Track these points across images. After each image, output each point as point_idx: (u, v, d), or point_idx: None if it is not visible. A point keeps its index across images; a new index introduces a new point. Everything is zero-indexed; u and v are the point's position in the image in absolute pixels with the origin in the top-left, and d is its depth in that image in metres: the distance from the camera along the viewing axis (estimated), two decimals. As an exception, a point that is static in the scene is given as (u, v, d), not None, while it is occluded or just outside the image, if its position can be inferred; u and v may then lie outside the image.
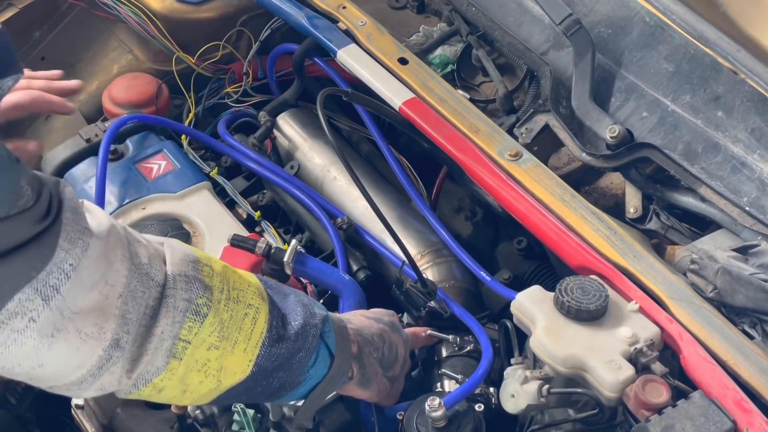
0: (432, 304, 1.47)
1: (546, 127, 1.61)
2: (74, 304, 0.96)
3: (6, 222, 0.90)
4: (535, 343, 1.25)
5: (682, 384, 1.21)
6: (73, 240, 0.95)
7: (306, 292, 1.53)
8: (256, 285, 1.14)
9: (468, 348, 1.47)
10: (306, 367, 1.18)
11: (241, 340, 1.10)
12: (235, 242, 1.52)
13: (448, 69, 2.00)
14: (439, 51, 1.99)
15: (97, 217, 1.01)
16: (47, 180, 0.98)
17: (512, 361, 1.35)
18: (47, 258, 0.93)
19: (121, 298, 0.99)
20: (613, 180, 1.83)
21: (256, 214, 1.71)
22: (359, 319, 1.36)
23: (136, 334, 1.02)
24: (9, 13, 1.97)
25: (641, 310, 1.28)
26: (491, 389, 1.39)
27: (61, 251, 0.94)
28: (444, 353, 1.48)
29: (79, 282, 0.95)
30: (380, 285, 1.62)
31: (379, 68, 1.66)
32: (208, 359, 1.09)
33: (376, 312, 1.40)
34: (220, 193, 1.76)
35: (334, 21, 1.76)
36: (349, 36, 1.73)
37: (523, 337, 1.37)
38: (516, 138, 1.59)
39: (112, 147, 1.72)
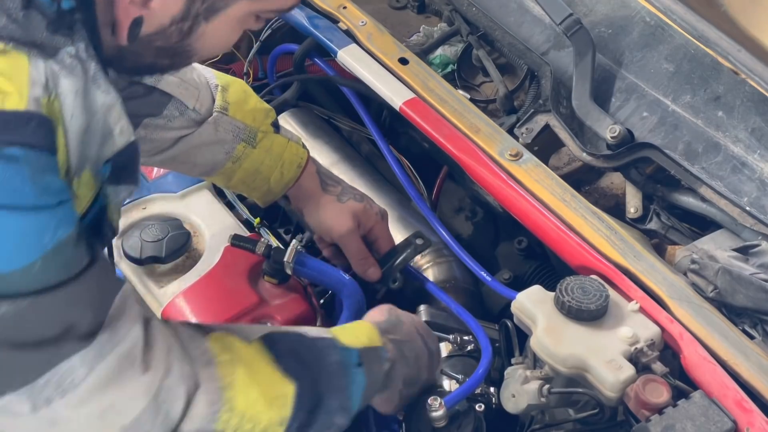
0: None
1: (546, 127, 1.61)
2: (73, 426, 0.95)
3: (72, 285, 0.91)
4: (535, 343, 1.25)
5: (683, 384, 1.21)
6: (87, 361, 0.94)
7: (306, 293, 1.53)
8: (277, 411, 1.11)
9: (468, 348, 1.47)
10: None
11: None
12: (236, 242, 1.51)
13: (449, 69, 2.01)
14: (439, 51, 2.00)
15: (153, 352, 1.01)
16: (119, 304, 0.99)
17: (513, 361, 1.35)
18: (51, 365, 0.92)
19: (122, 429, 0.99)
20: (614, 180, 1.83)
21: (256, 221, 1.70)
22: (411, 331, 1.34)
23: None
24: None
25: (642, 309, 1.28)
26: (492, 389, 1.39)
27: (66, 364, 0.93)
28: (444, 353, 1.48)
29: (86, 407, 0.95)
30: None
31: (379, 68, 1.66)
32: None
33: (429, 331, 1.39)
34: (220, 192, 1.76)
35: (335, 21, 1.76)
36: (350, 36, 1.73)
37: (523, 336, 1.37)
38: (516, 138, 1.59)
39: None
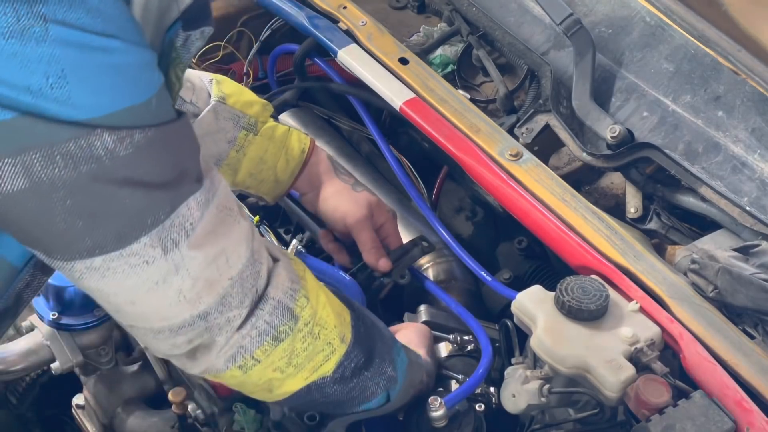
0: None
1: (546, 127, 1.61)
2: (194, 269, 0.99)
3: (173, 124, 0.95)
4: (535, 343, 1.25)
5: (683, 384, 1.21)
6: (200, 203, 0.98)
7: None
8: (341, 328, 1.16)
9: (468, 348, 1.47)
10: (360, 404, 1.22)
11: (308, 369, 1.14)
12: (236, 242, 1.51)
13: (449, 69, 2.00)
14: (439, 51, 1.99)
15: (243, 209, 1.09)
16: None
17: (513, 360, 1.35)
18: (175, 206, 0.96)
19: (231, 281, 1.03)
20: (614, 180, 1.83)
21: (255, 219, 1.70)
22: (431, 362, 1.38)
23: (225, 329, 1.06)
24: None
25: (642, 309, 1.28)
26: (492, 389, 1.39)
27: (185, 206, 0.96)
28: (444, 353, 1.48)
29: (202, 250, 0.99)
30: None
31: (379, 68, 1.66)
32: (270, 379, 1.13)
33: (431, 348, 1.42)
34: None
35: (335, 21, 1.76)
36: (350, 36, 1.73)
37: (523, 336, 1.37)
38: (516, 138, 1.59)
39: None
